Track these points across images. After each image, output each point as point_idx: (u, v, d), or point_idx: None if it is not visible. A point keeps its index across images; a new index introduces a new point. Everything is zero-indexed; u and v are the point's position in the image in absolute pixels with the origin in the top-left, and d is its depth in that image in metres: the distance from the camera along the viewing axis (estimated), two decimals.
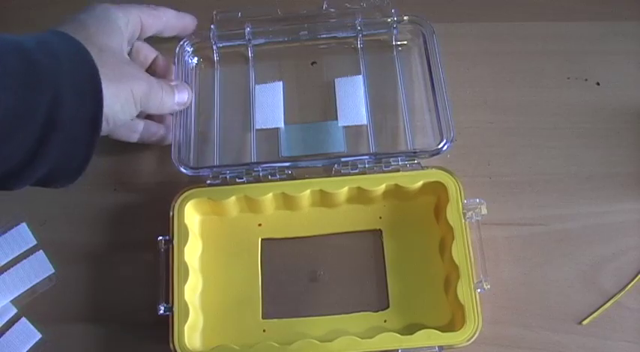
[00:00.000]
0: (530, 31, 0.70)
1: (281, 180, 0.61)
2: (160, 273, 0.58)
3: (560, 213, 0.63)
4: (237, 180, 0.60)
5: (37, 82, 0.47)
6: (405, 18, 0.67)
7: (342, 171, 0.61)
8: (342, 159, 0.61)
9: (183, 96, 0.62)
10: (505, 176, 0.64)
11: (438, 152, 0.60)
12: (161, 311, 0.56)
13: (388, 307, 0.59)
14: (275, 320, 0.59)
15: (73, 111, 0.49)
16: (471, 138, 0.65)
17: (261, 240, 0.62)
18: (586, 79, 0.68)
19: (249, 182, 0.60)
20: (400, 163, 0.60)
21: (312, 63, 0.68)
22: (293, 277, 0.61)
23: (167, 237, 0.58)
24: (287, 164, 0.61)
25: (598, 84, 0.68)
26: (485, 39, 0.70)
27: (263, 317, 0.59)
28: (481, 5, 0.71)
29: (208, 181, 0.60)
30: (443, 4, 0.71)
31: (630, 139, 0.65)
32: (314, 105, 0.67)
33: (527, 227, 0.62)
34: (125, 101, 0.54)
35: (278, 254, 0.62)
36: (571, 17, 0.71)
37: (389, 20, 0.67)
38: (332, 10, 0.68)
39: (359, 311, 0.59)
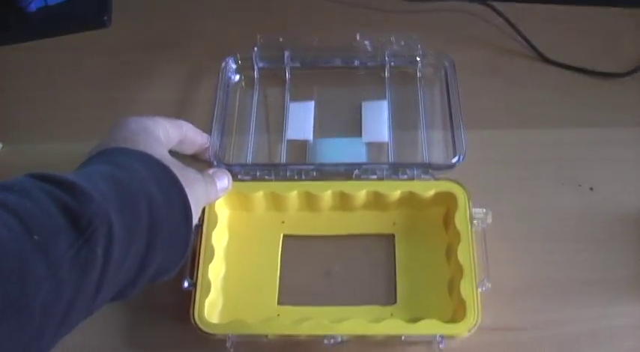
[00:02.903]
0: (525, 138, 0.73)
1: (306, 180, 0.66)
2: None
3: (557, 317, 0.62)
4: (266, 177, 0.66)
5: (134, 195, 0.50)
6: (430, 52, 0.74)
7: (362, 177, 0.66)
8: (363, 166, 0.67)
9: (223, 183, 0.63)
10: (503, 282, 0.63)
11: (452, 166, 0.65)
12: (185, 285, 0.61)
13: (395, 302, 0.63)
14: (289, 306, 0.63)
15: (166, 209, 0.52)
16: None
17: (283, 235, 0.67)
18: (580, 185, 0.69)
19: (276, 180, 0.66)
20: (415, 173, 0.66)
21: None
22: (309, 271, 0.65)
23: (198, 223, 0.63)
24: (312, 166, 0.67)
25: (591, 189, 0.69)
26: (479, 147, 0.70)
27: (278, 303, 0.63)
28: (476, 114, 0.72)
29: (239, 176, 0.66)
30: None
31: (625, 243, 0.66)
32: (341, 123, 0.73)
33: (524, 332, 0.62)
34: (195, 204, 0.56)
35: (297, 249, 0.66)
36: (563, 124, 0.73)
37: (414, 53, 0.74)
38: (364, 42, 0.75)
39: (368, 304, 0.63)
